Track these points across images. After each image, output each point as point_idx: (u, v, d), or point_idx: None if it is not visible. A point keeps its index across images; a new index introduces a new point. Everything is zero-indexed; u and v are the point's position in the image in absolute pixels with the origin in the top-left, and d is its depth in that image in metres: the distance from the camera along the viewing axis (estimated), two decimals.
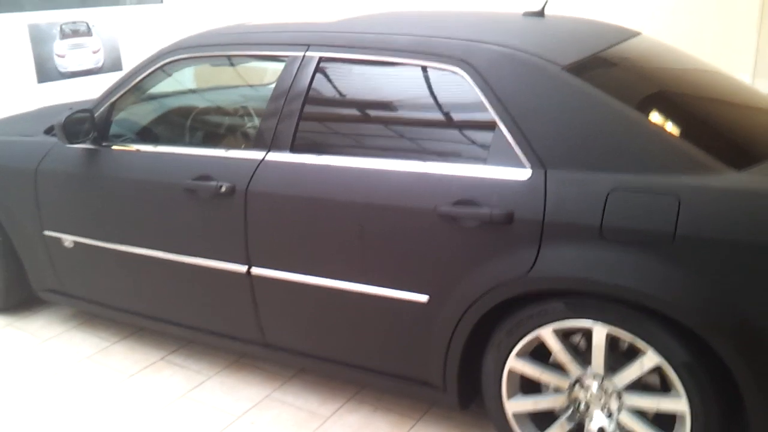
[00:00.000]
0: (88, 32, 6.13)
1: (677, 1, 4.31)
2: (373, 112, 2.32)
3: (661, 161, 1.80)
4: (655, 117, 1.90)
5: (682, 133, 1.88)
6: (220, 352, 2.94)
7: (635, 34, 2.51)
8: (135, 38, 6.48)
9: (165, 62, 2.68)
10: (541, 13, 2.55)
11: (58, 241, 2.89)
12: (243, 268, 2.42)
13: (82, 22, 6.09)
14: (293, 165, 2.30)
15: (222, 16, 6.74)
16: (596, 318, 1.85)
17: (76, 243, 2.84)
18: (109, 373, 2.84)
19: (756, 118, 2.25)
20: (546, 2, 2.57)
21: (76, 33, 6.03)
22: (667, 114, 2.00)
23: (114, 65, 6.35)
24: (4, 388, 2.74)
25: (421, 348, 2.17)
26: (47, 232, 2.92)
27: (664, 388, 1.89)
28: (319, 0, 5.84)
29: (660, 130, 1.86)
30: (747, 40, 4.15)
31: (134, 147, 2.72)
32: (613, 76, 2.11)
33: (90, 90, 6.01)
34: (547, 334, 1.94)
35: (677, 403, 1.81)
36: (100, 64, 6.24)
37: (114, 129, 2.81)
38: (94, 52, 6.21)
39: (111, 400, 2.65)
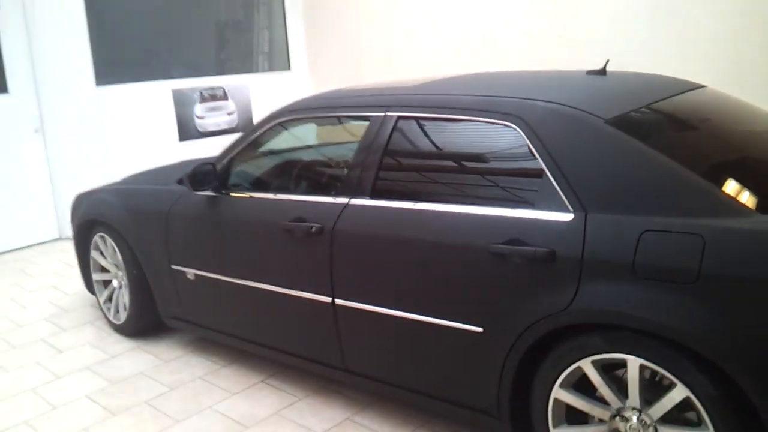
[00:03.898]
0: (224, 96, 6.95)
1: None
2: (439, 163, 2.63)
3: (688, 204, 1.94)
4: (684, 163, 2.04)
5: (709, 178, 2.01)
6: (311, 377, 3.27)
7: (696, 86, 2.64)
8: (265, 101, 7.23)
9: (274, 123, 3.14)
10: (603, 72, 2.75)
11: (183, 274, 3.39)
12: (328, 299, 2.75)
13: (219, 87, 6.93)
14: (371, 208, 2.63)
15: (339, 80, 7.37)
16: (630, 351, 1.99)
17: (196, 276, 3.32)
18: (215, 391, 3.24)
19: None
20: (607, 61, 2.77)
21: (213, 97, 6.87)
22: (695, 160, 2.14)
23: (247, 125, 7.11)
24: (130, 400, 3.23)
25: (478, 377, 2.37)
26: (174, 267, 3.42)
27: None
28: (426, 66, 6.28)
29: (688, 175, 2.01)
30: None
31: (247, 194, 3.18)
32: (654, 128, 2.28)
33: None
34: (586, 365, 2.09)
35: None
36: (234, 125, 7.03)
37: (232, 179, 3.29)
38: (229, 114, 7.02)
39: (213, 417, 3.03)
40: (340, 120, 3.12)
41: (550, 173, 2.19)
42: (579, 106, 2.27)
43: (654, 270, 1.93)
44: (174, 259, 3.42)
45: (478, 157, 2.53)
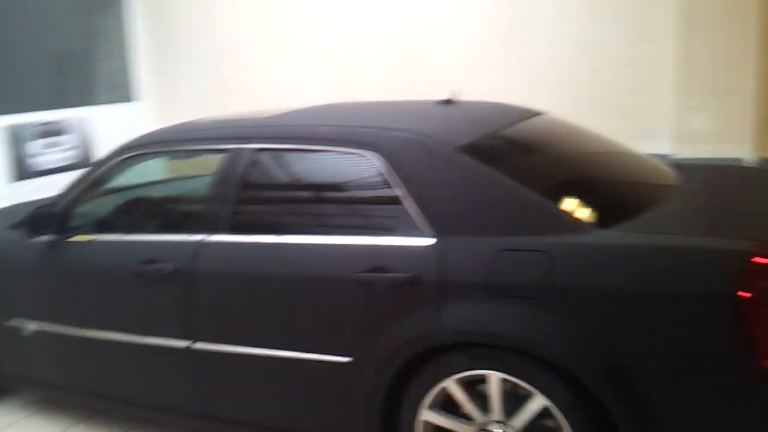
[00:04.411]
0: (63, 131, 6.49)
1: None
2: (299, 194, 2.61)
3: (534, 223, 2.07)
4: (529, 185, 2.19)
5: (553, 198, 2.16)
6: (171, 429, 3.00)
7: (536, 113, 2.85)
8: (108, 135, 6.83)
9: (121, 158, 2.93)
10: (449, 101, 2.88)
11: (21, 328, 3.06)
12: (186, 344, 2.60)
13: (57, 121, 6.46)
14: (229, 245, 2.54)
15: (193, 112, 7.15)
16: (490, 367, 2.06)
17: (37, 330, 3.01)
18: None
19: (626, 182, 2.58)
20: (458, 92, 2.91)
21: (50, 133, 6.38)
22: (539, 181, 2.29)
23: (89, 161, 6.67)
24: None
25: (349, 408, 2.35)
26: (10, 322, 3.09)
27: None
28: (284, 96, 6.27)
29: (533, 196, 2.15)
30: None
31: (91, 237, 2.95)
32: (500, 153, 2.43)
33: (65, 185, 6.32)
34: (450, 384, 2.14)
35: None
36: (75, 161, 6.55)
37: (74, 221, 3.02)
38: (69, 150, 6.55)
39: None
40: (193, 153, 3.00)
41: (408, 200, 2.24)
42: (430, 135, 2.35)
43: (507, 287, 2.03)
44: (10, 313, 3.09)
45: (338, 188, 2.55)
